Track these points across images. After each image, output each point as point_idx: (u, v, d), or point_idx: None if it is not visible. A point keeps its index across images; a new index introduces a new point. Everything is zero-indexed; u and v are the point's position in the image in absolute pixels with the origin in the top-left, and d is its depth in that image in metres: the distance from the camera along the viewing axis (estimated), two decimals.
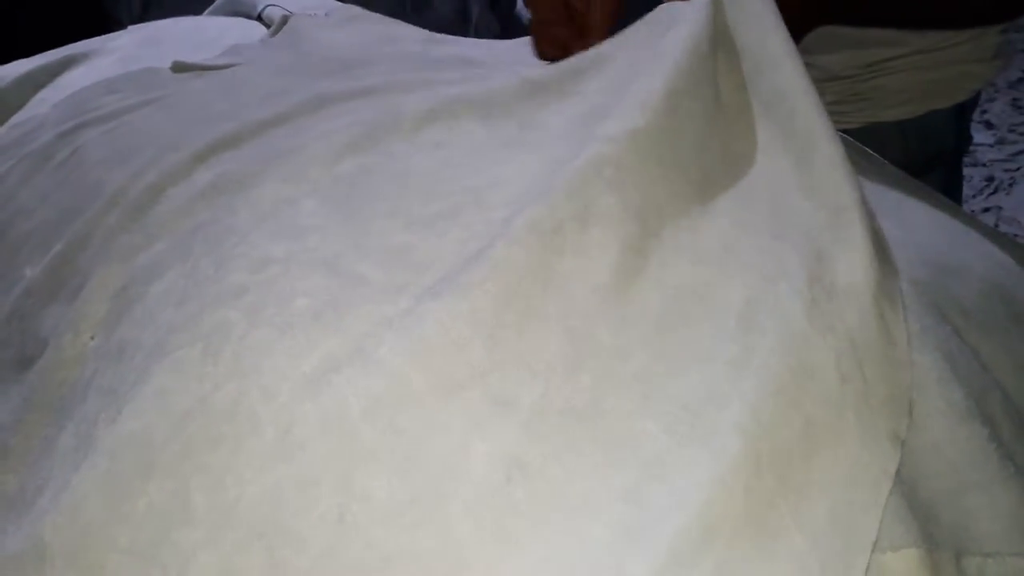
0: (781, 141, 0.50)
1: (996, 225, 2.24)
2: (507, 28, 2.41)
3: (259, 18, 0.91)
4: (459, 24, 2.54)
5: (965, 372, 0.47)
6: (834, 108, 0.84)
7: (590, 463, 0.37)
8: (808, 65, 0.84)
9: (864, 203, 0.47)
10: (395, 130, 0.53)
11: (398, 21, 0.80)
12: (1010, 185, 2.46)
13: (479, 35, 2.46)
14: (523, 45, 0.70)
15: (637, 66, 0.52)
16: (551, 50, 0.66)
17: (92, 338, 0.50)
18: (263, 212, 0.49)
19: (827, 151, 0.49)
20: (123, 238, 0.55)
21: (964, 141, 0.91)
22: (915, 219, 0.56)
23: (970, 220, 0.61)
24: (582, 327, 0.41)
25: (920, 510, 0.42)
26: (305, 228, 0.47)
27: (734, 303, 0.42)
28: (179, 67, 0.71)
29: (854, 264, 0.45)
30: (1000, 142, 2.68)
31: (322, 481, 0.37)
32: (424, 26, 0.82)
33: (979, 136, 2.69)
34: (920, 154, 0.83)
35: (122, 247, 0.54)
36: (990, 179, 2.48)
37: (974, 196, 2.40)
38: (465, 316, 0.40)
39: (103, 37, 0.90)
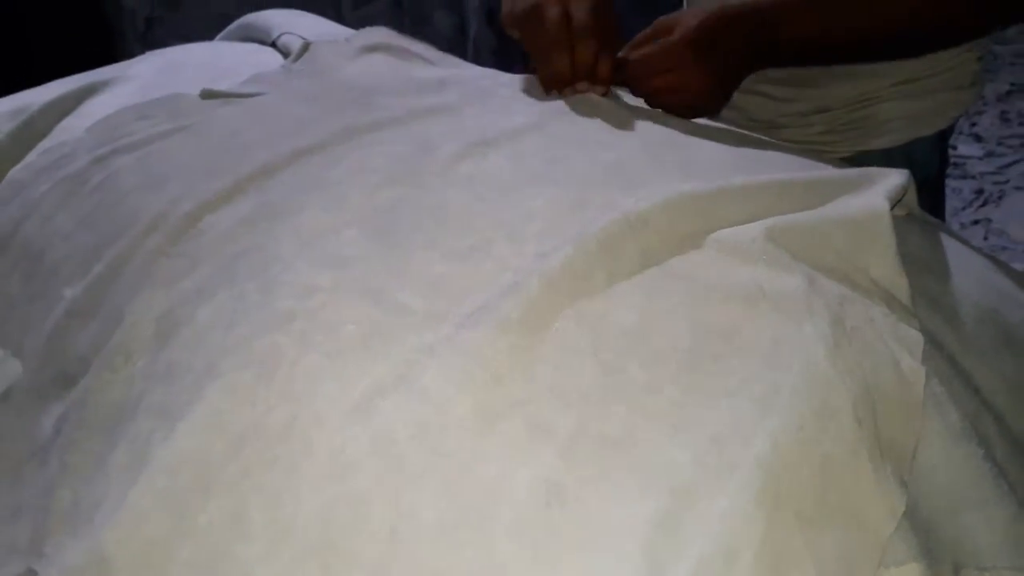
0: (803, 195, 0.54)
1: (985, 237, 2.28)
2: (503, 42, 2.45)
3: (273, 44, 0.93)
4: (457, 39, 2.57)
5: (960, 395, 0.50)
6: (825, 138, 0.89)
7: (624, 489, 0.40)
8: (801, 98, 0.89)
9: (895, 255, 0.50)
10: (429, 164, 0.56)
11: (415, 47, 0.83)
12: (999, 197, 2.50)
13: (477, 49, 2.50)
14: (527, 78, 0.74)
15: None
16: (553, 85, 0.70)
17: (139, 359, 0.53)
18: (305, 240, 0.52)
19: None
20: (163, 262, 0.57)
21: (945, 164, 0.95)
22: (910, 248, 0.60)
23: (963, 245, 0.64)
24: (614, 361, 0.44)
25: (920, 527, 0.45)
26: (348, 257, 0.50)
27: (761, 342, 0.45)
28: (207, 94, 0.73)
29: (873, 311, 0.48)
30: (989, 155, 2.73)
31: (373, 501, 0.40)
32: (423, 41, 0.85)
33: (968, 149, 2.73)
34: None
35: (164, 271, 0.56)
36: (979, 191, 2.52)
37: (963, 208, 2.44)
38: (505, 350, 0.43)
39: (121, 64, 0.92)
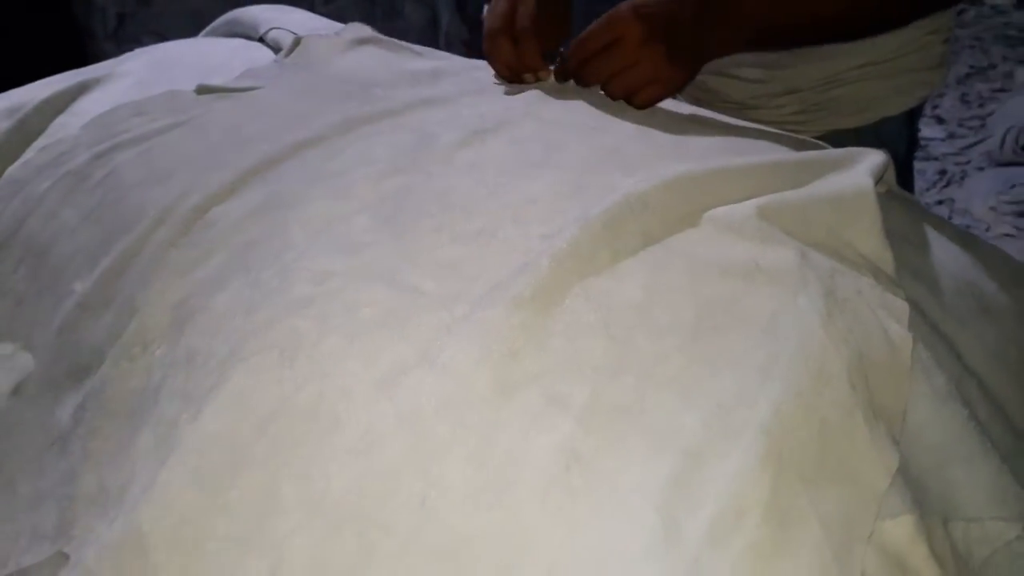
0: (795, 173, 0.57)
1: (950, 217, 2.34)
2: (474, 33, 2.46)
3: (261, 40, 0.94)
4: (429, 31, 2.58)
5: (944, 360, 0.53)
6: (797, 118, 0.92)
7: (637, 453, 0.43)
8: (773, 80, 0.92)
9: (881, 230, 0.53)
10: (430, 153, 0.58)
11: (402, 43, 0.85)
12: (961, 178, 2.56)
13: (449, 42, 2.51)
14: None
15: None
16: (501, 75, 0.75)
17: (157, 347, 0.54)
18: (316, 228, 0.54)
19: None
20: (174, 254, 0.59)
21: (914, 144, 0.98)
22: (892, 223, 0.63)
23: (941, 223, 0.67)
24: (623, 335, 0.46)
25: (912, 483, 0.48)
26: (360, 243, 0.52)
27: (760, 314, 0.47)
28: (203, 90, 0.75)
29: (861, 283, 0.51)
30: (951, 136, 2.79)
31: (402, 472, 0.42)
32: (395, 34, 0.87)
33: (931, 131, 2.80)
34: None
35: (176, 262, 0.58)
36: (942, 172, 2.58)
37: (928, 189, 2.50)
38: (519, 327, 0.45)
39: (111, 61, 0.93)
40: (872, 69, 0.89)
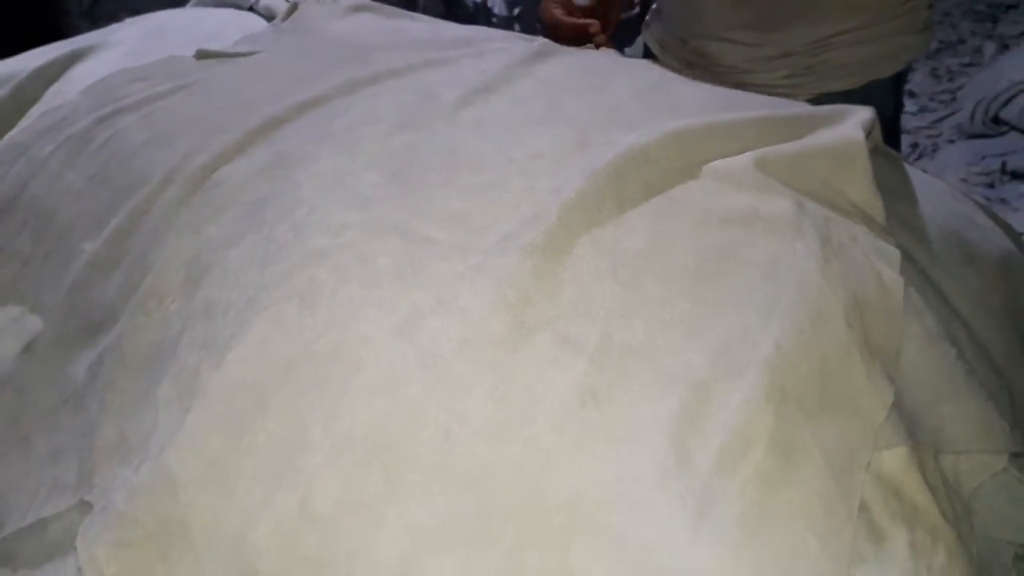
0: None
1: None
2: (451, 10, 2.46)
3: (251, 9, 0.95)
4: (406, 8, 2.57)
5: (933, 303, 0.56)
6: (788, 81, 0.94)
7: (649, 390, 0.45)
8: (766, 43, 0.94)
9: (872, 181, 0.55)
10: (434, 111, 0.59)
11: (397, 9, 0.86)
12: (933, 151, 2.60)
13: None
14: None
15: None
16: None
17: (172, 301, 0.55)
18: (326, 184, 0.55)
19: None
20: (184, 212, 0.60)
21: (899, 106, 1.01)
22: (881, 176, 0.65)
23: (924, 174, 0.70)
24: (630, 280, 0.48)
25: (905, 417, 0.51)
26: (370, 198, 0.53)
27: (759, 259, 0.50)
28: (203, 54, 0.75)
29: (855, 230, 0.53)
30: (922, 110, 2.83)
31: (426, 407, 0.44)
32: None
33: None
34: None
35: (186, 220, 0.59)
36: (915, 145, 2.62)
37: None
38: (531, 273, 0.47)
39: (102, 31, 0.93)
40: (861, 33, 0.91)
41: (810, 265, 0.50)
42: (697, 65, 0.94)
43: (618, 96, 0.63)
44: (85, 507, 0.51)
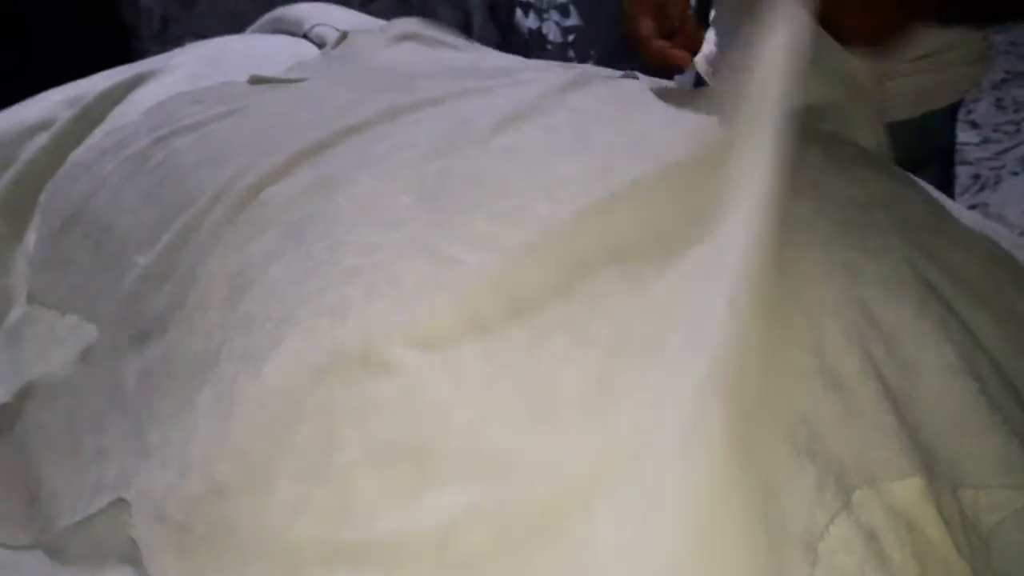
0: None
1: None
2: (506, 37, 2.50)
3: (305, 36, 0.99)
4: (462, 34, 2.62)
5: (956, 335, 0.56)
6: None
7: (660, 382, 0.47)
8: (833, 76, 0.94)
9: None
10: (468, 137, 0.62)
11: (441, 36, 0.89)
12: (996, 182, 2.56)
13: (481, 44, 2.55)
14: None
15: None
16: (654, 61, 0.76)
17: (216, 314, 0.58)
18: (363, 206, 0.58)
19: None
20: (230, 230, 0.63)
21: (953, 138, 1.01)
22: (912, 210, 0.65)
23: (958, 212, 0.70)
24: (637, 273, 0.52)
25: (922, 449, 0.51)
26: (403, 220, 0.56)
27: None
28: (256, 80, 0.79)
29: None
30: (985, 141, 2.78)
31: (452, 407, 0.47)
32: None
33: (965, 135, 2.78)
34: (920, 150, 0.93)
35: (232, 237, 0.62)
36: (976, 177, 2.58)
37: (962, 194, 2.49)
38: (547, 284, 0.51)
39: (165, 56, 0.97)
40: (921, 63, 0.91)
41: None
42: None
43: (648, 124, 0.65)
44: (123, 504, 0.55)
